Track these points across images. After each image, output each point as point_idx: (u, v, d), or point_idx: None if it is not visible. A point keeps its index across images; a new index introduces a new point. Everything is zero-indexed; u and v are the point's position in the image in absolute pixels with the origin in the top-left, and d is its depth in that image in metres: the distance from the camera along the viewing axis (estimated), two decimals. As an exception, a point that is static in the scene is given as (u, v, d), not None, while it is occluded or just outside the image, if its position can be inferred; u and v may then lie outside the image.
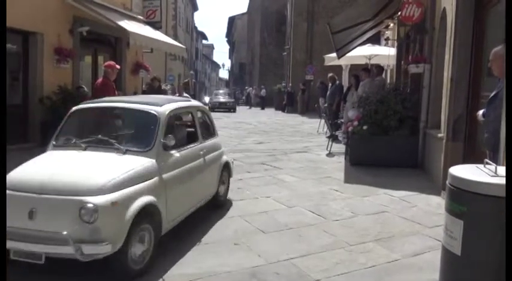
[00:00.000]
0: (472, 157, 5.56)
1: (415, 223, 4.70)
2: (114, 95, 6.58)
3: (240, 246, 3.99)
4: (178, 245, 3.94)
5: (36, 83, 9.10)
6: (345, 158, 8.41)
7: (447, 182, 2.76)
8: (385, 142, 7.59)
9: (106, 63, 6.80)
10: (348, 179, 6.73)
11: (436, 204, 5.41)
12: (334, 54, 12.90)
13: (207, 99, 35.12)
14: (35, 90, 9.09)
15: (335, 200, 5.57)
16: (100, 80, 6.69)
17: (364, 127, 7.58)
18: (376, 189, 6.11)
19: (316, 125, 14.45)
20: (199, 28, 68.63)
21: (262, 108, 32.29)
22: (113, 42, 11.89)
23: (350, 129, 7.80)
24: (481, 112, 3.93)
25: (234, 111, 28.03)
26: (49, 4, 9.24)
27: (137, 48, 12.62)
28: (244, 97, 42.67)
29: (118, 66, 6.79)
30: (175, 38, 35.86)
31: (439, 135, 6.16)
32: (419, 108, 7.61)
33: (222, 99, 30.49)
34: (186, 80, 15.15)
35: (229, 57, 77.95)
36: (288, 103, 26.33)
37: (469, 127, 5.61)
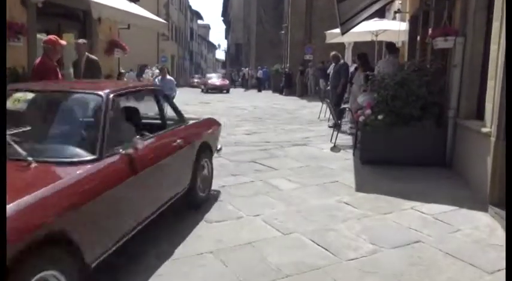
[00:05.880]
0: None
1: (465, 263, 3.24)
2: (55, 78, 5.07)
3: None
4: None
5: (-21, 64, 7.53)
6: (354, 154, 6.92)
7: None
8: (405, 135, 6.09)
9: (45, 39, 5.24)
10: (361, 186, 5.24)
11: (485, 227, 3.95)
12: (336, 31, 11.31)
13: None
14: (-22, 74, 7.53)
15: (347, 221, 4.09)
16: (38, 60, 5.15)
17: (380, 117, 6.07)
18: (400, 201, 4.64)
19: (317, 110, 12.91)
20: (194, 7, 66.36)
21: (259, 90, 30.69)
22: (81, 17, 10.23)
23: (361, 119, 6.29)
24: None
25: None
26: (-7, -32, 7.60)
27: (111, 24, 10.95)
28: (240, 79, 41.08)
29: (63, 42, 5.24)
30: (168, 17, 34.01)
31: (483, 130, 4.66)
32: (447, 93, 6.10)
33: None
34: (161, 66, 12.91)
35: (226, 38, 75.79)
36: (285, 85, 24.73)
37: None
